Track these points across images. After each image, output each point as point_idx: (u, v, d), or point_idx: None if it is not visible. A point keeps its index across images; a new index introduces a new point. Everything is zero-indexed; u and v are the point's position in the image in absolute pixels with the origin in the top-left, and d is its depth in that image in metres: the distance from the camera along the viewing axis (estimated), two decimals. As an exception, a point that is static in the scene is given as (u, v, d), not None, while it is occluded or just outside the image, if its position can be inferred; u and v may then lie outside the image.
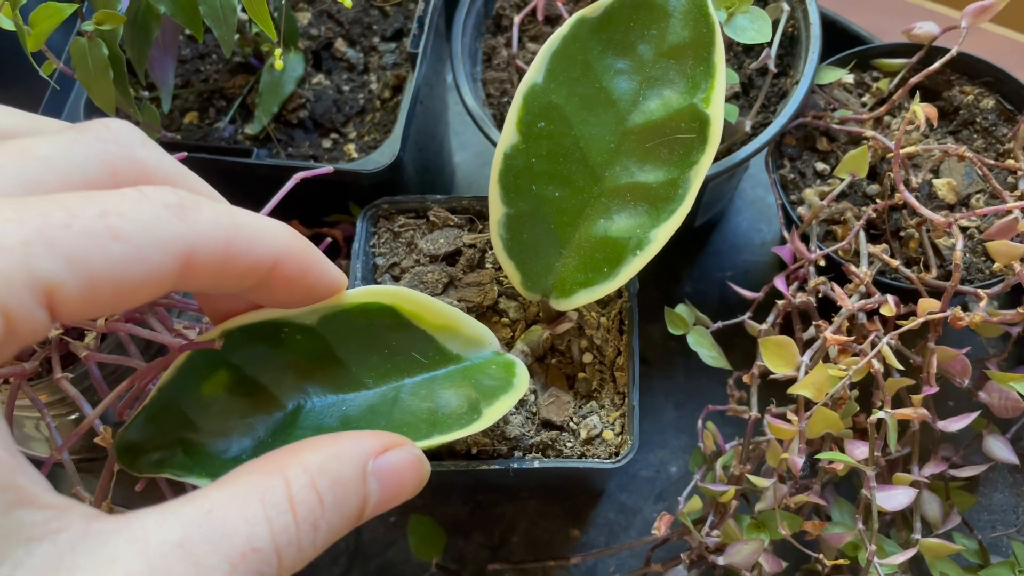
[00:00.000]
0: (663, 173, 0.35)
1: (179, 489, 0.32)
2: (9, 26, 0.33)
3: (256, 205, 0.37)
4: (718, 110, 0.34)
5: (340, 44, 0.51)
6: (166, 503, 0.18)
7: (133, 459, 0.29)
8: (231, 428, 0.29)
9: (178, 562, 0.17)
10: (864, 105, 0.49)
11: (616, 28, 0.36)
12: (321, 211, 0.50)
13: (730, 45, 0.49)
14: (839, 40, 0.54)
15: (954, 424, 0.41)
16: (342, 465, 0.21)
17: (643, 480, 0.52)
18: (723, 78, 0.34)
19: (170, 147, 0.44)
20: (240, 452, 0.29)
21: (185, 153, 0.38)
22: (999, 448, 0.44)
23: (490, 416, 0.31)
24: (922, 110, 0.40)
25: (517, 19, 0.49)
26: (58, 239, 0.17)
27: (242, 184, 0.46)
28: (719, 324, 0.44)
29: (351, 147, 0.47)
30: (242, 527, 0.18)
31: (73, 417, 0.42)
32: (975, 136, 0.48)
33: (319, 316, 0.30)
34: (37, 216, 0.17)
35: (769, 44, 0.44)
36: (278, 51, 0.34)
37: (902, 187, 0.41)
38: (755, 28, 0.39)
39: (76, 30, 0.38)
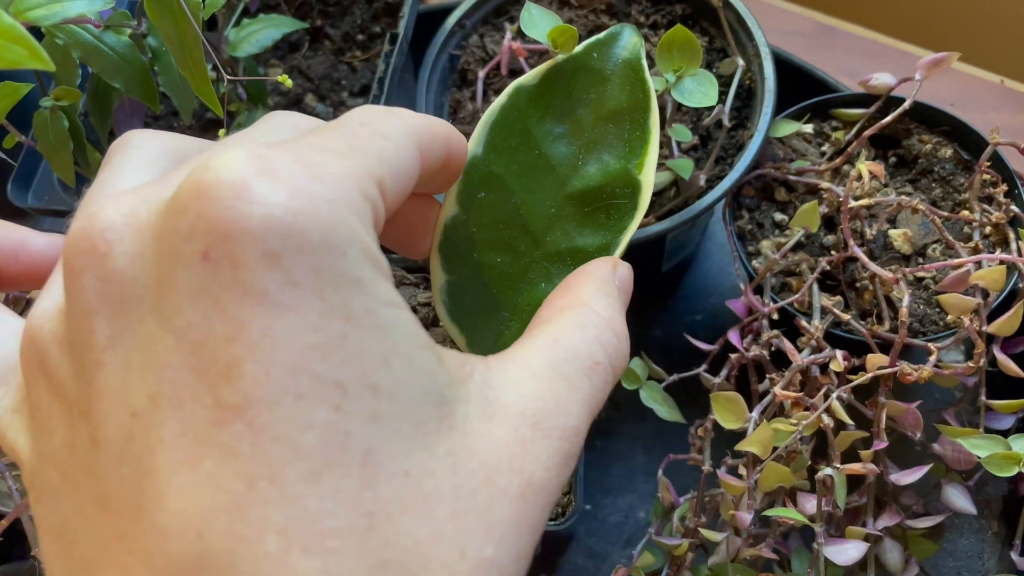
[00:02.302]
0: (599, 238, 0.35)
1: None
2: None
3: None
4: (649, 176, 0.34)
5: (310, 99, 0.52)
6: (521, 340, 0.23)
7: None
8: None
9: (557, 379, 0.21)
10: (823, 155, 0.49)
11: (555, 94, 0.36)
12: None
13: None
14: (805, 86, 0.55)
15: (907, 477, 0.42)
16: (611, 287, 0.27)
17: (611, 525, 0.53)
18: (656, 144, 0.34)
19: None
20: None
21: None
22: (957, 498, 0.44)
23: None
24: (868, 167, 0.40)
25: (481, 74, 0.50)
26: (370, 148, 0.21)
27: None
28: (674, 377, 0.45)
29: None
30: (583, 347, 0.23)
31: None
32: (934, 185, 0.48)
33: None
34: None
35: (722, 100, 0.44)
36: (222, 132, 0.35)
37: (851, 242, 0.42)
38: (702, 92, 0.39)
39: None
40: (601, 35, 0.36)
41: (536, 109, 0.36)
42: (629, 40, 0.36)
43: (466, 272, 0.36)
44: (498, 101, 0.36)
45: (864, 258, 0.41)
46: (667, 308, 0.58)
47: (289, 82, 0.35)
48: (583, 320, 0.24)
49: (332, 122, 0.21)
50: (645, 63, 0.35)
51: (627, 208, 0.35)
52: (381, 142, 0.21)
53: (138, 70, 0.38)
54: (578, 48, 0.36)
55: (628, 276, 0.29)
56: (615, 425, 0.55)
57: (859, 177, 0.41)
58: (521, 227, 0.36)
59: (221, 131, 0.36)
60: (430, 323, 0.41)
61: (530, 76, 0.36)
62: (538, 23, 0.42)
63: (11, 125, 0.37)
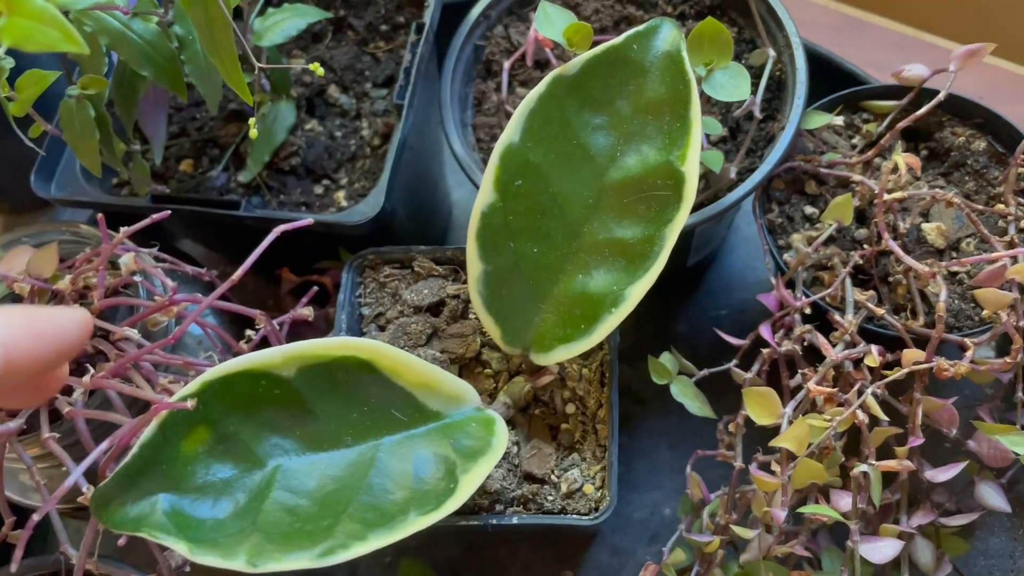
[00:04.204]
0: (640, 229, 0.35)
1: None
2: (-5, 94, 0.34)
3: (247, 253, 0.37)
4: (693, 168, 0.34)
5: (333, 90, 0.51)
6: None
7: (109, 515, 0.29)
8: (211, 489, 0.30)
9: None
10: (854, 147, 0.49)
11: (594, 84, 0.36)
12: (311, 258, 0.50)
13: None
14: (833, 79, 0.54)
15: (942, 474, 0.41)
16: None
17: (636, 522, 0.52)
18: (699, 135, 0.34)
19: (160, 200, 0.44)
20: (222, 515, 0.30)
21: (169, 212, 0.38)
22: (991, 495, 0.43)
23: (466, 487, 0.32)
24: (904, 160, 0.40)
25: (506, 64, 0.49)
26: None
27: (233, 234, 0.47)
28: (704, 372, 0.44)
29: (340, 195, 0.48)
30: None
31: (64, 468, 0.43)
32: (967, 178, 0.47)
33: (296, 368, 0.31)
34: None
35: (752, 92, 0.44)
36: (252, 120, 0.35)
37: (886, 235, 0.41)
38: (733, 85, 0.39)
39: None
40: (641, 27, 0.36)
41: (575, 99, 0.36)
42: (669, 33, 0.36)
43: (503, 262, 0.36)
44: (536, 90, 0.36)
45: (899, 252, 0.41)
46: (692, 303, 0.57)
47: (320, 70, 0.34)
48: None
49: None
50: (686, 56, 0.35)
51: (670, 200, 0.34)
52: None
53: (166, 58, 0.37)
54: (618, 39, 0.36)
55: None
56: (639, 421, 0.55)
57: (895, 169, 0.40)
58: (559, 217, 0.36)
59: (251, 119, 0.36)
60: (459, 315, 0.41)
61: (570, 66, 0.36)
62: (554, 21, 0.41)
63: (37, 114, 0.37)
